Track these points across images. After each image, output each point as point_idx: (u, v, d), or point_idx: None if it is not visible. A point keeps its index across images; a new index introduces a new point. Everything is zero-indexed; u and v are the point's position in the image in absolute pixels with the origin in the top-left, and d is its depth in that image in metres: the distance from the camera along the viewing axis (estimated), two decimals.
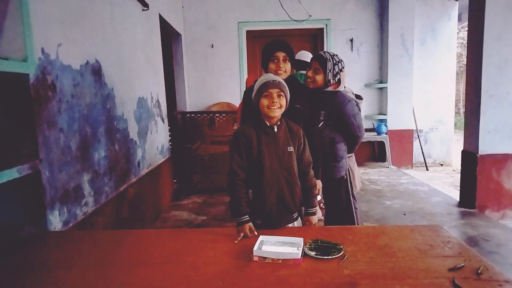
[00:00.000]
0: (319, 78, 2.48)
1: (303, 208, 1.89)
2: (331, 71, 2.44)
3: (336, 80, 2.50)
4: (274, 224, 1.74)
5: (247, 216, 1.65)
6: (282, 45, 2.14)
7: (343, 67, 2.52)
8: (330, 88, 2.51)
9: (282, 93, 1.70)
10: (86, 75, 2.32)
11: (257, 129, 1.72)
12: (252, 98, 1.76)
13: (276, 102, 1.67)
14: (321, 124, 2.53)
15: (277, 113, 1.70)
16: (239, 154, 1.69)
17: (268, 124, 1.72)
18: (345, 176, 2.63)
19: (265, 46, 2.21)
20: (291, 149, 1.75)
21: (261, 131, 1.72)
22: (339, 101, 2.48)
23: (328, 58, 2.45)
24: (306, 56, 3.49)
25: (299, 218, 1.91)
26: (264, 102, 1.68)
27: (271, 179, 1.70)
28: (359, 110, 2.64)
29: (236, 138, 1.72)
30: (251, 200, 1.72)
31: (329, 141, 2.56)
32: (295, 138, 1.77)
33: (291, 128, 1.79)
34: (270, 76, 1.74)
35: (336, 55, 2.53)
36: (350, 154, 2.76)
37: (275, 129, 1.72)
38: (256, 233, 1.64)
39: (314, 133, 2.47)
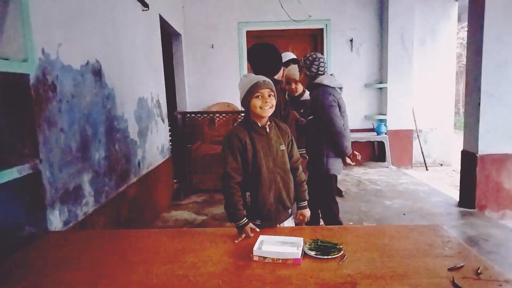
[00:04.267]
0: (299, 86, 3.01)
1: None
2: (304, 65, 2.75)
3: (315, 70, 2.73)
4: (273, 223, 1.76)
5: (246, 218, 1.66)
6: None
7: (316, 58, 2.74)
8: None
9: (272, 93, 1.72)
10: (86, 75, 2.32)
11: (249, 130, 1.73)
12: (241, 99, 1.77)
13: (268, 102, 1.69)
14: (308, 119, 2.76)
15: (269, 112, 1.72)
16: (233, 157, 1.69)
17: (260, 125, 1.73)
18: (328, 174, 2.73)
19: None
20: (283, 147, 1.78)
21: (254, 133, 1.72)
22: (314, 94, 2.74)
23: (292, 67, 2.94)
24: (288, 56, 3.50)
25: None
26: (257, 102, 1.69)
27: (268, 179, 1.71)
28: (337, 102, 2.71)
29: (229, 142, 1.70)
30: (249, 202, 1.73)
31: (312, 137, 2.74)
32: (284, 136, 1.81)
33: (280, 127, 1.83)
34: (259, 77, 1.74)
35: (315, 54, 2.82)
36: (347, 157, 2.78)
37: (267, 130, 1.74)
38: (258, 230, 1.65)
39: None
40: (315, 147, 2.73)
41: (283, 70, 2.80)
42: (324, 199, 2.78)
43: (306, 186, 1.89)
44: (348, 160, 2.77)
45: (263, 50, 2.44)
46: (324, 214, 2.86)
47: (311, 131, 2.78)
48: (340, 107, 2.71)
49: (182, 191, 4.66)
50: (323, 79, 2.72)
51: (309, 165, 2.80)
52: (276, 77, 2.54)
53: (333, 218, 2.80)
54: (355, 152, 2.79)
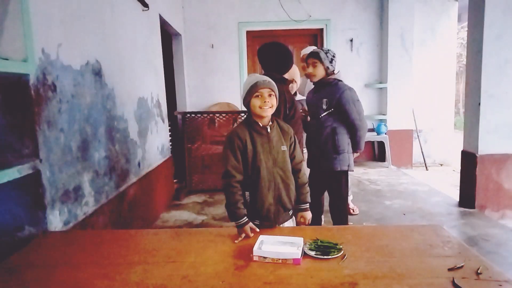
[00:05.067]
0: (320, 69, 2.69)
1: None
2: (327, 58, 2.67)
3: (334, 66, 2.71)
4: (272, 224, 1.76)
5: (246, 217, 1.66)
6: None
7: (334, 55, 2.73)
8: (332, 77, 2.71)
9: (273, 93, 1.71)
10: (86, 75, 2.32)
11: (250, 130, 1.73)
12: (242, 99, 1.77)
13: (268, 102, 1.68)
14: (323, 114, 2.67)
15: (269, 112, 1.71)
16: (234, 156, 1.69)
17: (261, 125, 1.73)
18: (349, 170, 2.70)
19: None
20: (284, 148, 1.76)
21: (255, 132, 1.72)
22: (338, 88, 2.65)
23: (319, 50, 2.72)
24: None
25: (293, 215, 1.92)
26: (256, 102, 1.69)
27: (267, 179, 1.71)
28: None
29: (230, 140, 1.71)
30: (248, 202, 1.72)
31: (330, 132, 2.65)
32: (287, 137, 1.80)
33: (282, 127, 1.81)
34: (259, 76, 1.74)
35: (324, 48, 2.80)
36: (356, 152, 2.79)
37: (268, 130, 1.73)
38: (258, 230, 1.65)
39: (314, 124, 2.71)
40: (334, 143, 2.65)
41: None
42: (343, 195, 2.75)
43: (308, 189, 1.86)
44: (355, 155, 2.82)
45: (273, 49, 2.44)
46: (338, 210, 2.79)
47: (326, 127, 2.67)
48: None
49: (182, 191, 4.66)
50: (340, 75, 2.73)
51: (318, 163, 2.75)
52: (286, 76, 2.54)
53: (346, 213, 2.80)
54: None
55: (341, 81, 2.71)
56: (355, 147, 2.74)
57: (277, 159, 1.73)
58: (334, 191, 2.76)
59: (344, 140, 2.67)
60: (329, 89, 2.68)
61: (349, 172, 2.77)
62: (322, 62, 2.66)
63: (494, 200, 3.79)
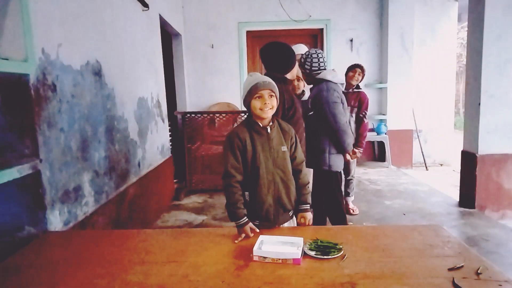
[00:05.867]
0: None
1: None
2: (301, 61, 2.76)
3: (309, 66, 2.72)
4: (271, 224, 1.75)
5: (246, 217, 1.66)
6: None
7: (309, 54, 2.73)
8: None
9: (273, 94, 1.70)
10: (86, 75, 2.32)
11: (250, 130, 1.72)
12: (242, 100, 1.77)
13: (268, 103, 1.67)
14: (309, 114, 2.72)
15: (270, 113, 1.70)
16: (234, 157, 1.68)
17: (261, 125, 1.72)
18: (331, 170, 2.70)
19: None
20: (284, 148, 1.75)
21: (255, 133, 1.71)
22: (318, 88, 2.68)
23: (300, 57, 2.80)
24: (302, 49, 3.51)
25: (294, 216, 1.91)
26: (256, 103, 1.68)
27: (267, 180, 1.70)
28: (340, 98, 2.70)
29: (230, 141, 1.70)
30: (248, 202, 1.72)
31: (311, 132, 2.69)
32: (287, 138, 1.78)
33: (283, 127, 1.80)
34: (259, 77, 1.73)
35: (309, 51, 2.79)
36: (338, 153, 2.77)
37: (268, 130, 1.72)
38: (258, 230, 1.65)
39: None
40: (316, 143, 2.68)
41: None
42: (335, 195, 2.75)
43: (309, 189, 1.85)
44: (348, 157, 2.77)
45: (274, 49, 2.44)
46: (334, 209, 2.79)
47: (312, 127, 2.70)
48: (343, 104, 2.69)
49: (182, 191, 4.66)
50: (326, 74, 2.68)
51: (309, 162, 2.77)
52: (288, 76, 2.53)
53: (341, 213, 2.79)
54: (355, 149, 2.82)
55: (328, 81, 2.67)
56: (338, 149, 2.70)
57: (277, 159, 1.72)
58: (325, 190, 2.76)
59: (323, 141, 2.68)
60: (314, 89, 2.74)
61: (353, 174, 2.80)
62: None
63: (494, 200, 3.79)
